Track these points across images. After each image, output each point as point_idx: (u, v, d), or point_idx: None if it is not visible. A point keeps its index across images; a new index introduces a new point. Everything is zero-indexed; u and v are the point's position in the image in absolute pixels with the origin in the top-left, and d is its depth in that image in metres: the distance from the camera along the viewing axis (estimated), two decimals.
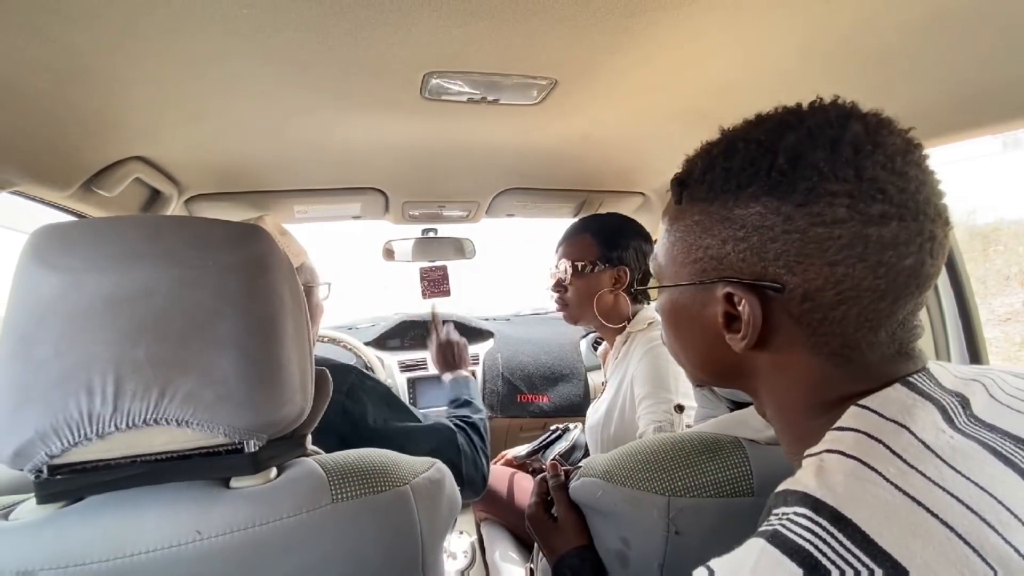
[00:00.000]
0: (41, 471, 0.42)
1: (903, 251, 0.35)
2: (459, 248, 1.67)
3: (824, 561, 0.29)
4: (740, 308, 0.39)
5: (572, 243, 1.13)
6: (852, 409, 0.36)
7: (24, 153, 0.72)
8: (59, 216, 0.89)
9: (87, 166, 0.84)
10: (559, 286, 1.15)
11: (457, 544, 1.44)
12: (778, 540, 0.31)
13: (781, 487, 0.35)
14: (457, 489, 0.62)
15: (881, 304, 0.36)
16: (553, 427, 1.39)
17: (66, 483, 0.43)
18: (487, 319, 1.98)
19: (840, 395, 0.38)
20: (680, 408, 0.91)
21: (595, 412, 1.15)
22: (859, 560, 0.28)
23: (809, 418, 0.39)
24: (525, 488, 1.28)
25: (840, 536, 0.29)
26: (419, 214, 1.49)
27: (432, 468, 0.57)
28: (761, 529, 0.33)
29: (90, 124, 0.75)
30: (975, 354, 1.00)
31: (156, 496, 0.44)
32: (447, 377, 1.22)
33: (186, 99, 0.75)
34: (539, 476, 0.68)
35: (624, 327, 1.13)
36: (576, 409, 1.70)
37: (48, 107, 0.67)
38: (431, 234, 1.63)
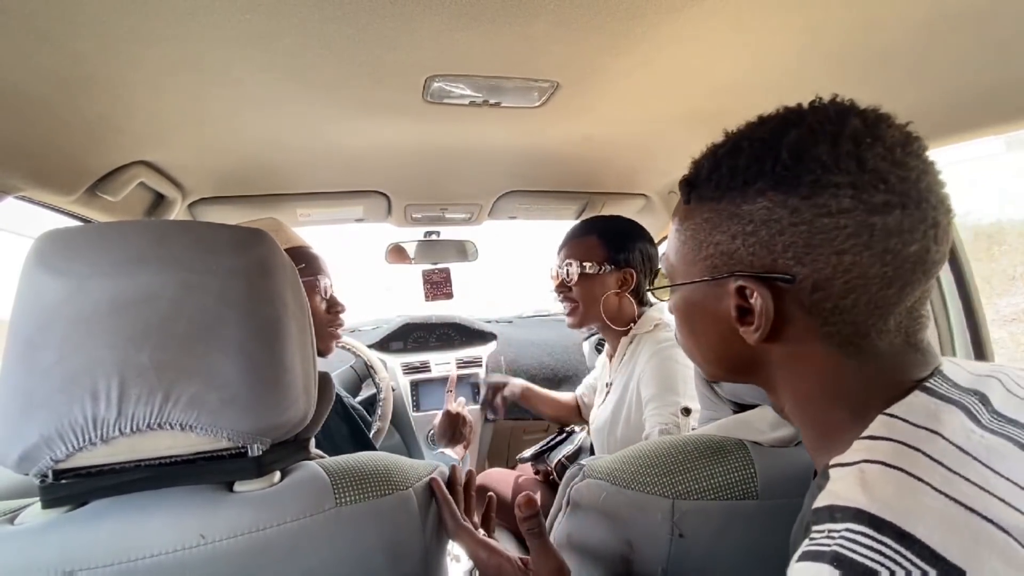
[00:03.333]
0: (46, 475, 0.42)
1: (908, 238, 0.35)
2: (461, 250, 1.68)
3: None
4: (752, 301, 0.39)
5: (578, 244, 1.12)
6: (880, 418, 0.36)
7: (29, 158, 0.72)
8: (64, 221, 0.90)
9: (92, 171, 0.84)
10: (564, 287, 1.14)
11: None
12: (844, 563, 0.30)
13: (823, 502, 0.34)
14: (459, 492, 0.62)
15: (889, 291, 0.36)
16: (560, 428, 1.39)
17: (71, 487, 0.43)
18: (489, 321, 1.98)
19: (857, 389, 0.38)
20: (687, 411, 0.90)
21: (600, 415, 1.14)
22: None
23: (828, 409, 0.40)
24: (529, 490, 1.28)
25: (908, 554, 0.29)
26: (421, 217, 1.49)
27: (435, 472, 0.57)
28: (812, 550, 0.32)
29: (95, 129, 0.76)
30: (981, 355, 1.00)
31: (160, 500, 0.44)
32: (440, 450, 1.19)
33: (190, 104, 0.75)
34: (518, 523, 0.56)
35: (629, 329, 1.13)
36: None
37: (53, 112, 0.68)
38: (433, 237, 1.63)
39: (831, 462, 0.36)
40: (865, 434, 0.36)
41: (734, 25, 0.62)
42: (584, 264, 1.10)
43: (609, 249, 1.11)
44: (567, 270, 1.12)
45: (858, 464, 0.34)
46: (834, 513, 0.33)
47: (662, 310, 1.17)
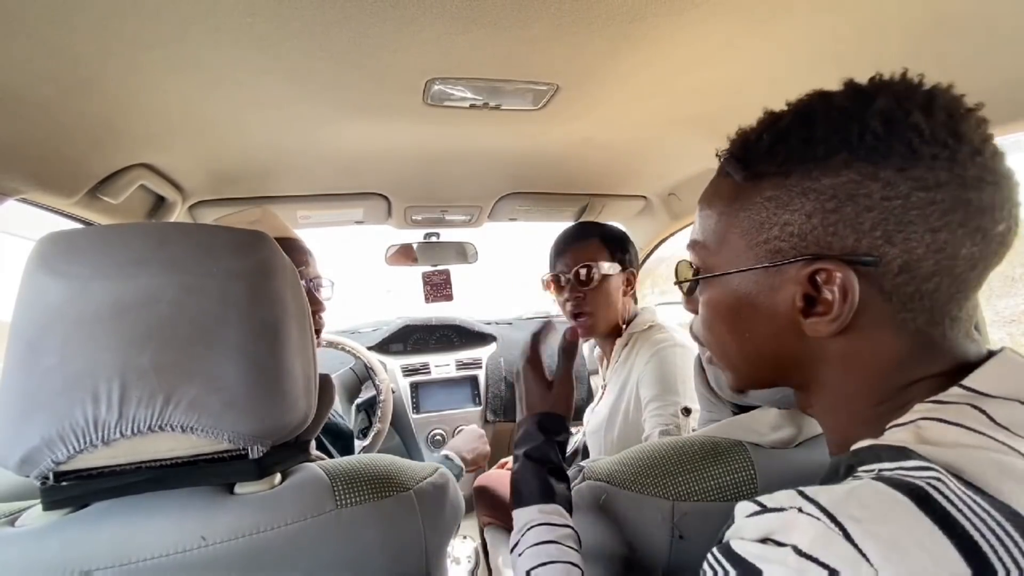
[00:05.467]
0: (47, 478, 0.42)
1: (997, 216, 0.33)
2: (461, 252, 1.68)
3: (936, 495, 0.27)
4: (829, 288, 0.35)
5: (585, 247, 1.09)
6: (954, 389, 0.34)
7: (30, 161, 0.72)
8: (64, 223, 0.90)
9: (92, 173, 0.85)
10: (578, 291, 1.08)
11: (461, 549, 1.44)
12: (883, 478, 0.29)
13: (865, 443, 0.33)
14: (460, 494, 0.62)
15: (972, 273, 0.34)
16: None
17: (72, 489, 0.43)
18: (489, 323, 1.98)
19: (911, 378, 0.36)
20: (687, 411, 0.90)
21: (596, 416, 1.14)
22: (977, 504, 0.26)
23: (875, 404, 0.37)
24: None
25: (954, 481, 0.27)
26: (422, 219, 1.49)
27: (436, 473, 0.57)
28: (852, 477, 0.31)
29: (95, 132, 0.76)
30: None
31: (161, 502, 0.44)
32: (443, 453, 0.97)
33: (190, 107, 0.76)
34: (537, 332, 0.68)
35: (623, 330, 1.13)
36: (579, 412, 1.70)
37: (54, 116, 0.68)
38: (433, 239, 1.63)
39: (888, 424, 0.34)
40: (931, 399, 0.34)
41: (733, 28, 0.63)
42: (602, 266, 1.08)
43: (614, 250, 1.11)
44: (584, 273, 1.07)
45: (915, 422, 0.33)
46: (879, 452, 0.32)
47: (655, 311, 1.17)
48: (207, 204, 1.18)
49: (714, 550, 0.32)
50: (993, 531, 0.26)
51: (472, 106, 0.81)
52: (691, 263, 0.46)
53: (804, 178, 0.36)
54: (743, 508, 0.32)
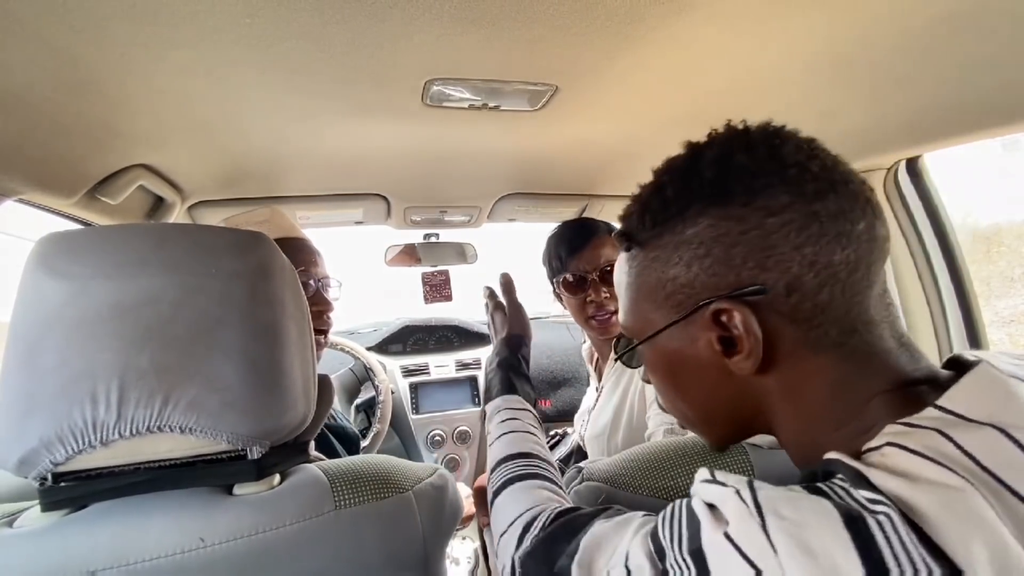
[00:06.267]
0: (45, 479, 0.42)
1: (852, 216, 0.36)
2: (461, 253, 1.68)
3: (870, 522, 0.27)
4: (733, 325, 0.37)
5: (603, 245, 1.04)
6: (928, 410, 0.33)
7: (29, 161, 0.72)
8: (63, 224, 0.90)
9: (91, 174, 0.84)
10: (604, 291, 1.02)
11: (460, 550, 1.44)
12: (829, 496, 0.29)
13: (833, 455, 0.34)
14: (460, 495, 0.62)
15: (857, 274, 0.36)
16: (551, 432, 1.38)
17: (70, 491, 0.43)
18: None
19: (863, 396, 0.36)
20: None
21: (597, 420, 1.11)
22: (911, 541, 0.27)
23: (834, 429, 0.37)
24: None
25: (895, 517, 0.28)
26: (421, 219, 1.49)
27: (435, 474, 0.57)
28: (821, 487, 0.31)
29: (95, 133, 0.76)
30: None
31: (160, 503, 0.44)
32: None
33: (189, 107, 0.76)
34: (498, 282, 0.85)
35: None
36: (569, 414, 1.70)
37: (53, 116, 0.68)
38: (433, 239, 1.63)
39: (863, 447, 0.34)
40: (903, 420, 0.33)
41: (731, 29, 0.63)
42: None
43: None
44: (611, 271, 1.00)
45: (881, 448, 0.33)
46: (847, 471, 0.32)
47: None
48: (206, 205, 1.18)
49: (681, 503, 0.35)
50: (916, 568, 0.26)
51: (471, 107, 0.81)
52: (628, 339, 0.49)
53: (673, 235, 0.39)
54: (702, 472, 0.35)
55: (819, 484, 0.31)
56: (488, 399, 0.71)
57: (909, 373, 0.37)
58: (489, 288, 0.87)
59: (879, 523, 0.27)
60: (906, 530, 0.27)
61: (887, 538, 0.27)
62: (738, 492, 0.31)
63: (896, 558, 0.26)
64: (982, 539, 0.27)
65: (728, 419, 0.43)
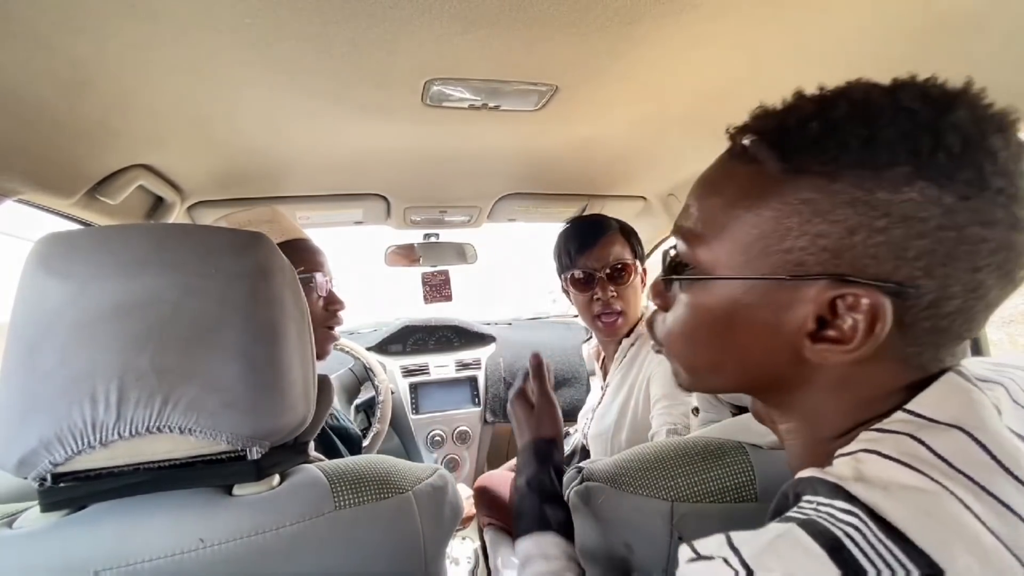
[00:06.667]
0: (45, 479, 0.42)
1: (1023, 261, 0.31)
2: (461, 253, 1.68)
3: (850, 545, 0.27)
4: (852, 315, 0.31)
5: (612, 243, 1.04)
6: (898, 413, 0.32)
7: (29, 161, 0.72)
8: (62, 224, 0.90)
9: (91, 174, 0.84)
10: (611, 289, 1.02)
11: (460, 550, 1.44)
12: (808, 525, 0.29)
13: (807, 473, 0.32)
14: (460, 495, 0.62)
15: (987, 312, 0.32)
16: None
17: (70, 491, 0.43)
18: (488, 323, 1.98)
19: (890, 400, 0.34)
20: (697, 411, 0.89)
21: (601, 419, 1.11)
22: (891, 553, 0.26)
23: (839, 435, 0.35)
24: None
25: (874, 527, 0.27)
26: (421, 219, 1.49)
27: (435, 475, 0.57)
28: (790, 514, 0.31)
29: (94, 133, 0.76)
30: (979, 356, 1.00)
31: (159, 504, 0.44)
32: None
33: (189, 107, 0.75)
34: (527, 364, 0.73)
35: (630, 331, 1.10)
36: (574, 413, 1.70)
37: (53, 116, 0.68)
38: (433, 239, 1.63)
39: (836, 453, 0.33)
40: (875, 426, 0.32)
41: (732, 29, 0.63)
42: (635, 263, 1.04)
43: (634, 244, 1.07)
44: (620, 270, 1.02)
45: (855, 453, 0.32)
46: (816, 485, 0.31)
47: None
48: (206, 205, 1.18)
49: None
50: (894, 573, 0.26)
51: (471, 107, 0.81)
52: (677, 255, 0.39)
53: (855, 186, 0.30)
54: (683, 553, 0.31)
55: (792, 514, 0.31)
56: (517, 528, 0.60)
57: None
58: (526, 374, 0.74)
59: (855, 541, 0.27)
60: (880, 536, 0.27)
61: (868, 558, 0.27)
62: (726, 560, 0.29)
63: (872, 563, 0.26)
64: (963, 545, 0.27)
65: (742, 381, 0.39)
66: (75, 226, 0.91)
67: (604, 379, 1.17)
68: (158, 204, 1.06)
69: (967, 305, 0.31)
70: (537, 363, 0.71)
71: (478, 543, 1.43)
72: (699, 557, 0.30)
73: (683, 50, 0.67)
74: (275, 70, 0.66)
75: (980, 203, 0.29)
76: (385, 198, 1.33)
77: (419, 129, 0.91)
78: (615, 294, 1.03)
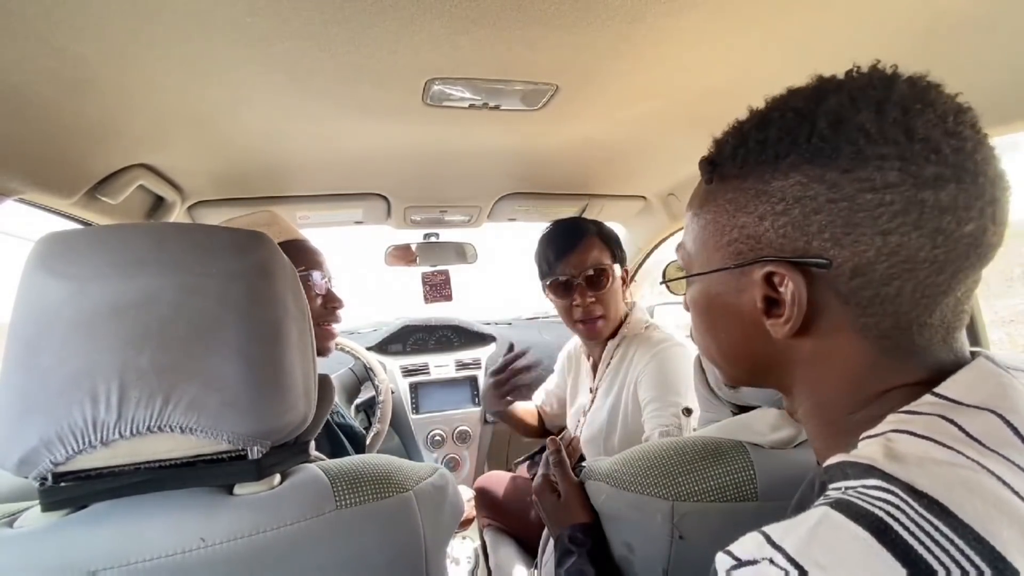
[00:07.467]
0: (45, 479, 0.42)
1: (963, 216, 0.32)
2: (461, 253, 1.68)
3: (895, 525, 0.26)
4: (782, 289, 0.36)
5: (589, 248, 1.06)
6: (927, 397, 0.33)
7: (29, 161, 0.72)
8: (63, 224, 0.90)
9: (91, 174, 0.84)
10: (590, 295, 1.04)
11: (460, 549, 1.44)
12: (843, 506, 0.28)
13: (835, 459, 0.33)
14: (460, 495, 0.62)
15: (939, 277, 0.33)
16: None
17: (70, 491, 0.43)
18: (488, 323, 1.99)
19: (884, 386, 0.35)
20: (688, 411, 0.89)
21: (592, 422, 1.11)
22: (937, 530, 0.26)
23: (849, 412, 0.37)
24: (526, 493, 1.27)
25: (915, 504, 0.27)
26: (421, 219, 1.49)
27: (435, 474, 0.57)
28: (820, 501, 0.31)
29: (95, 132, 0.76)
30: None
31: (160, 503, 0.44)
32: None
33: (190, 107, 0.75)
34: (546, 452, 0.71)
35: (615, 332, 1.10)
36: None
37: (53, 115, 0.68)
38: (433, 239, 1.63)
39: (861, 436, 0.34)
40: (903, 408, 0.33)
41: (733, 30, 0.63)
42: (614, 266, 1.05)
43: (613, 248, 1.08)
44: (597, 275, 1.03)
45: (885, 434, 0.32)
46: (846, 469, 0.31)
47: (645, 310, 1.15)
48: (206, 204, 1.18)
49: None
50: (954, 558, 0.26)
51: (472, 106, 0.81)
52: (680, 265, 0.48)
53: (757, 181, 0.36)
54: (722, 562, 0.31)
55: (826, 499, 0.30)
56: None
57: (941, 368, 0.35)
58: (547, 459, 0.71)
59: (897, 519, 0.27)
60: (923, 512, 0.27)
61: (914, 536, 0.26)
62: (772, 560, 0.28)
63: (936, 556, 0.26)
64: (1006, 519, 0.26)
65: (750, 366, 0.43)
66: (75, 226, 0.91)
67: (593, 380, 1.16)
68: (158, 204, 1.06)
69: (900, 270, 0.33)
70: (556, 448, 0.70)
71: (478, 543, 1.44)
72: (741, 563, 0.30)
73: (684, 49, 0.67)
74: (276, 69, 0.66)
75: (864, 172, 0.32)
76: (385, 198, 1.33)
77: (419, 129, 0.91)
78: (594, 299, 1.03)
